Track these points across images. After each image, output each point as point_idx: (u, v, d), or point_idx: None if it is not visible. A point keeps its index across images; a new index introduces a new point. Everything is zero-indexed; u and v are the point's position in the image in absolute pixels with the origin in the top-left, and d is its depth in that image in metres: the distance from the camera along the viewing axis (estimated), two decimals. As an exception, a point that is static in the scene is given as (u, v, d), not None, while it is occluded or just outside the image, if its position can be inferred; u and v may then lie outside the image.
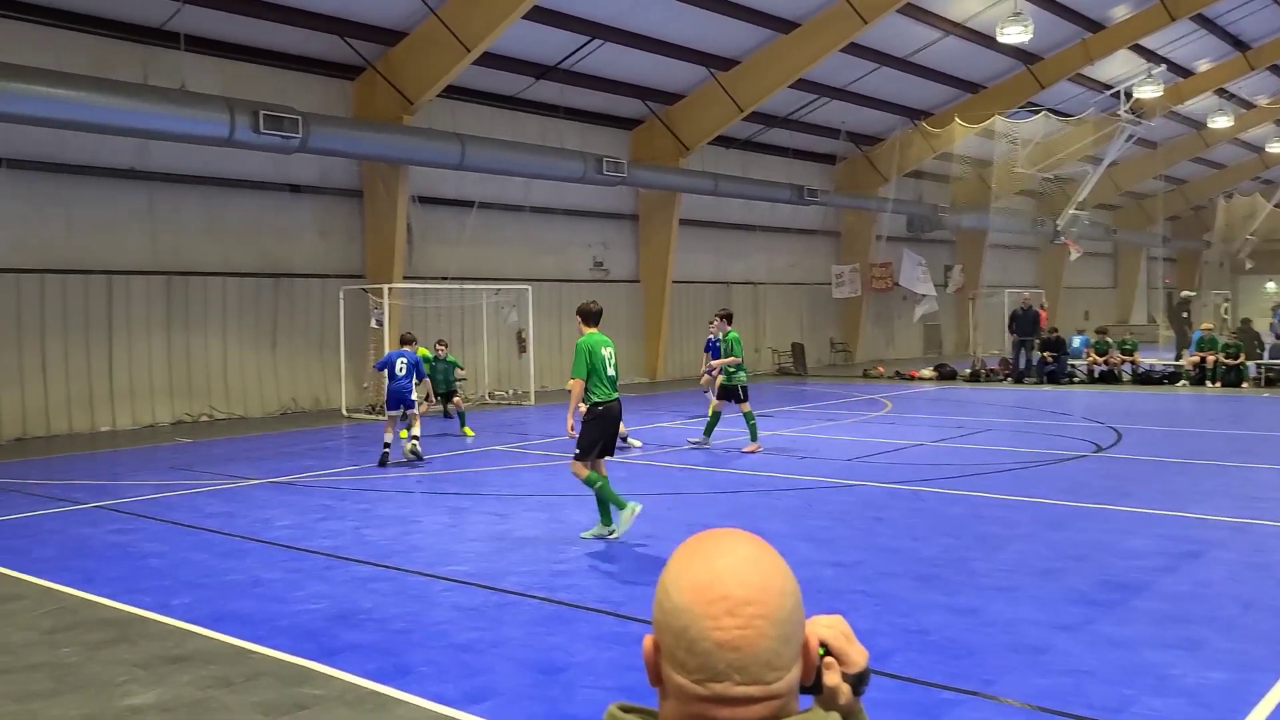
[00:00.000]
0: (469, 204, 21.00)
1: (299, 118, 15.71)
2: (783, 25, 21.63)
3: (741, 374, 13.49)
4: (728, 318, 14.18)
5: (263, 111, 15.26)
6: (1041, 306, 31.99)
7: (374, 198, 19.28)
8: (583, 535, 8.37)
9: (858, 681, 1.27)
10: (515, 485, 11.10)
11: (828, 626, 1.27)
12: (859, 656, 1.27)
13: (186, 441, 15.06)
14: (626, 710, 1.22)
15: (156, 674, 5.32)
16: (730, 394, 13.46)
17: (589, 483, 8.22)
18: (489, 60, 19.21)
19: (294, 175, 18.59)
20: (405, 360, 12.97)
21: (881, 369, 27.08)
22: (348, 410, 18.38)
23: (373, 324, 18.22)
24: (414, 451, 12.81)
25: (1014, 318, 24.46)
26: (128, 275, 16.53)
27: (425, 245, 20.47)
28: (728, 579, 1.17)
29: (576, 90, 21.94)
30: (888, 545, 8.05)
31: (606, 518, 8.31)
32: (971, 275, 34.56)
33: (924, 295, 31.41)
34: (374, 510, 9.77)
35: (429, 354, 15.43)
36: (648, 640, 1.22)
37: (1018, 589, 6.66)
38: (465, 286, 20.26)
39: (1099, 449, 13.16)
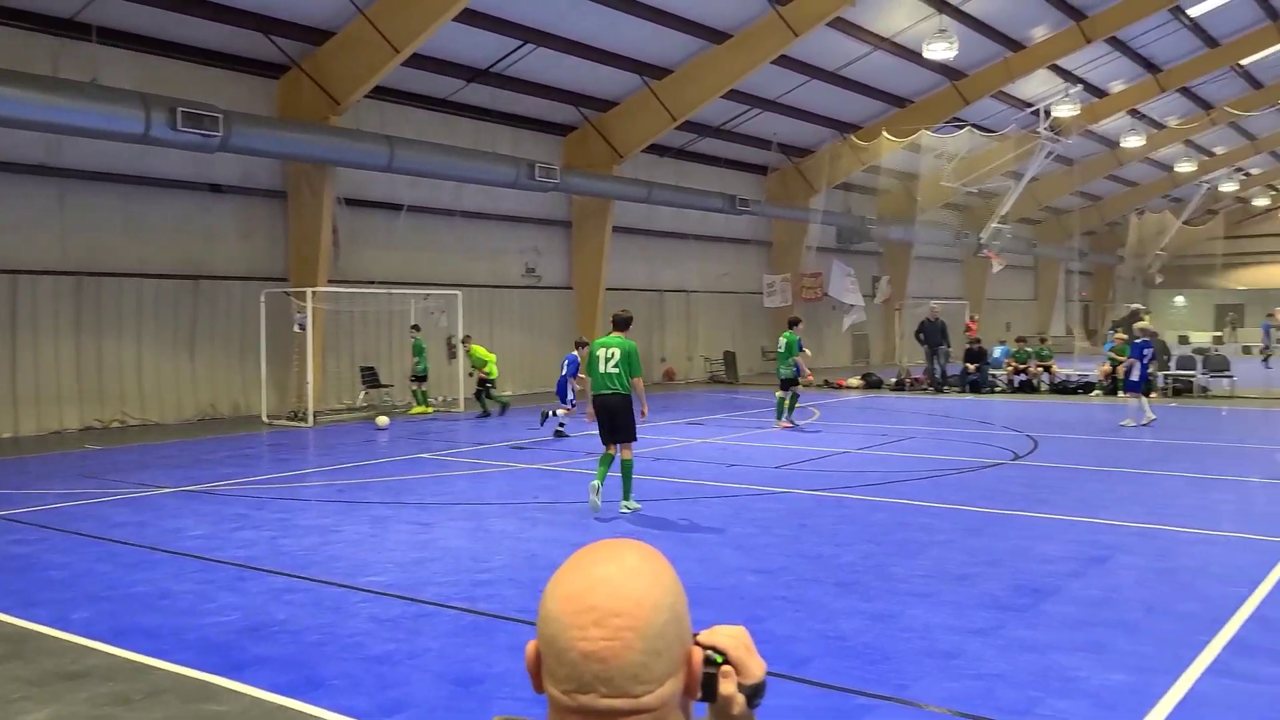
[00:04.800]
0: (398, 207, 20.73)
1: (219, 116, 15.32)
2: (715, 36, 21.79)
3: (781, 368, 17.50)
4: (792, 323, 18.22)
5: (181, 108, 14.84)
6: (971, 318, 32.70)
7: (298, 199, 18.91)
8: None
9: (753, 693, 1.25)
10: (441, 494, 10.95)
11: (730, 636, 1.25)
12: (757, 669, 1.26)
13: (96, 449, 14.55)
14: None
15: (51, 691, 5.10)
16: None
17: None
18: (419, 62, 19.00)
19: (215, 175, 18.15)
20: (566, 361, 16.06)
21: (811, 378, 27.35)
22: (269, 417, 17.96)
23: (295, 328, 17.84)
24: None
25: (921, 328, 24.82)
26: (35, 275, 15.93)
27: (353, 248, 20.15)
28: (600, 590, 1.16)
29: (509, 94, 21.83)
30: (811, 552, 8.11)
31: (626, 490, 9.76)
32: (898, 286, 35.18)
33: (852, 305, 31.90)
34: (293, 519, 9.55)
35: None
36: (530, 647, 1.21)
37: (935, 594, 6.76)
38: (394, 291, 19.97)
39: (1017, 457, 13.46)
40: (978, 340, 25.97)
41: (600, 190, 23.80)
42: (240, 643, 5.87)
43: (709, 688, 1.21)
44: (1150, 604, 6.49)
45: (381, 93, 19.54)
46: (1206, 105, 34.22)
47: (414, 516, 9.65)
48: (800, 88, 25.35)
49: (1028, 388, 23.85)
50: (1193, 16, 26.54)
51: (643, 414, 9.76)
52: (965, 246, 35.48)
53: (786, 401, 17.24)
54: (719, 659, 1.22)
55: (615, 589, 1.16)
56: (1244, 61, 30.29)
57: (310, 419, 17.51)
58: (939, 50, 21.87)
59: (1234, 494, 10.81)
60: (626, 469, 9.73)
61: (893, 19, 23.11)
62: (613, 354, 9.52)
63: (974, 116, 28.27)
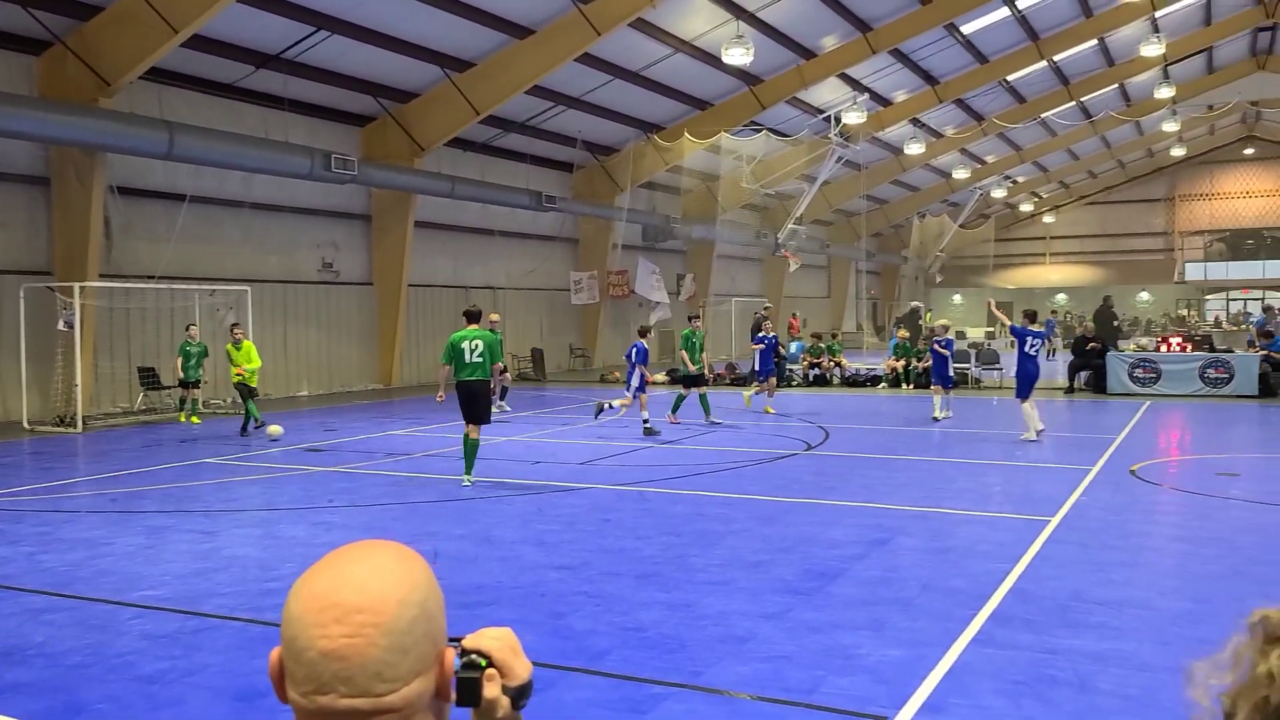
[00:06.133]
0: (180, 197, 19.43)
1: (-32, 92, 13.87)
2: (518, 30, 21.63)
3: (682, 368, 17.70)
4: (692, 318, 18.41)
5: (-79, 82, 13.34)
6: (794, 315, 33.82)
7: (64, 186, 17.37)
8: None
9: (518, 695, 1.24)
10: (227, 500, 10.34)
11: (495, 639, 1.23)
12: (522, 670, 1.24)
13: None
14: None
15: None
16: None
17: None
18: (203, 44, 17.89)
19: (-36, 158, 16.43)
20: (634, 349, 16.08)
21: (619, 374, 27.69)
22: (30, 423, 16.42)
23: (61, 326, 16.39)
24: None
25: (758, 325, 25.67)
26: None
27: (128, 240, 18.72)
28: (344, 587, 1.11)
29: (302, 82, 20.88)
30: (613, 546, 8.18)
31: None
32: (702, 284, 36.15)
33: (658, 303, 32.54)
34: (55, 533, 8.77)
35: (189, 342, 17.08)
36: (273, 654, 1.14)
37: (730, 582, 6.96)
38: (175, 287, 18.71)
39: (809, 447, 14.10)
40: (776, 336, 27.02)
41: (400, 184, 23.18)
42: (-13, 672, 5.32)
43: (473, 692, 1.18)
44: (925, 582, 6.93)
45: (160, 75, 18.27)
46: (978, 117, 37.02)
47: (196, 525, 9.07)
48: (604, 86, 25.57)
49: (821, 381, 25.05)
50: (965, 34, 28.63)
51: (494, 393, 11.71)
52: (764, 246, 36.93)
53: (702, 399, 17.30)
54: (483, 663, 1.20)
55: (361, 585, 1.11)
56: (1010, 78, 32.96)
57: (79, 424, 16.14)
58: (736, 55, 22.58)
59: (1001, 477, 11.73)
60: (474, 447, 10.92)
61: (692, 23, 23.68)
62: (477, 345, 10.76)
63: (770, 121, 29.39)
